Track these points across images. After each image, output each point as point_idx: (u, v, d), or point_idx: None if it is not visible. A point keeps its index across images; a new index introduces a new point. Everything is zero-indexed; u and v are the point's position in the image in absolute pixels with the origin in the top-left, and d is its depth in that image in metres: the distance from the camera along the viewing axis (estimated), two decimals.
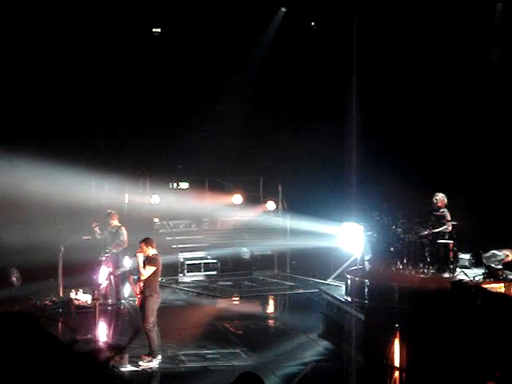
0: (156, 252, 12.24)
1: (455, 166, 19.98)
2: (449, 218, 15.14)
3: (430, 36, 20.56)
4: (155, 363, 11.97)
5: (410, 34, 20.67)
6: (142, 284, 12.05)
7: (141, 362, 11.83)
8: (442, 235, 14.89)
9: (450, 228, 15.02)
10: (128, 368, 11.30)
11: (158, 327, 12.17)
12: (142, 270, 12.01)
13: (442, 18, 20.49)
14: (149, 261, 12.04)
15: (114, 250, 15.94)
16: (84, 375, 2.20)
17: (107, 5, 21.54)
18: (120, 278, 15.92)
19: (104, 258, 15.81)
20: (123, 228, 16.18)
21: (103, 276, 15.67)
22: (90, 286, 15.54)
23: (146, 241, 12.21)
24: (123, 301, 16.13)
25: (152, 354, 11.95)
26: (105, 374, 2.27)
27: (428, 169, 20.07)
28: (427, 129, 20.82)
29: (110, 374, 2.30)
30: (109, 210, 16.50)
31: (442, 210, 15.25)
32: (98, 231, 16.08)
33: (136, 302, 12.72)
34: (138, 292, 12.23)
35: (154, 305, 12.03)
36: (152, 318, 11.96)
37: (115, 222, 16.22)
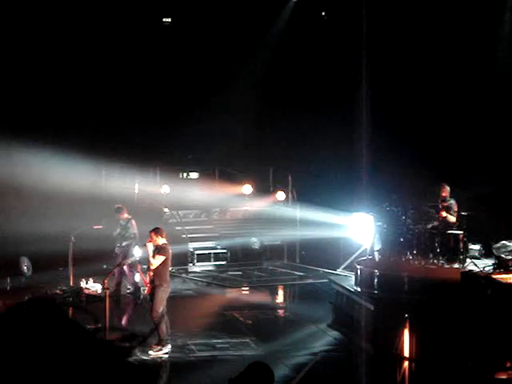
0: (165, 241, 12.26)
1: (465, 158, 19.87)
2: (456, 209, 15.10)
3: (440, 24, 20.43)
4: (165, 352, 12.01)
5: (421, 21, 20.55)
6: (151, 273, 12.09)
7: (150, 351, 11.87)
8: (450, 226, 14.84)
9: (454, 219, 14.96)
10: (138, 357, 11.35)
11: (168, 316, 12.20)
12: (151, 259, 12.04)
13: (452, 9, 20.38)
14: (158, 250, 12.07)
15: (125, 243, 16.07)
16: (108, 362, 2.23)
17: None
18: (132, 267, 15.93)
19: (118, 251, 15.98)
20: (133, 220, 16.24)
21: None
22: (100, 276, 15.59)
23: (156, 230, 12.24)
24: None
25: (161, 344, 11.99)
26: (128, 362, 2.31)
27: (438, 160, 19.98)
28: (438, 119, 20.72)
29: (133, 361, 2.34)
30: (118, 205, 16.48)
31: (449, 200, 15.19)
32: (118, 230, 16.16)
33: (145, 291, 12.74)
34: (147, 281, 12.27)
35: (163, 294, 12.05)
36: (161, 308, 11.99)
37: (126, 215, 16.30)
